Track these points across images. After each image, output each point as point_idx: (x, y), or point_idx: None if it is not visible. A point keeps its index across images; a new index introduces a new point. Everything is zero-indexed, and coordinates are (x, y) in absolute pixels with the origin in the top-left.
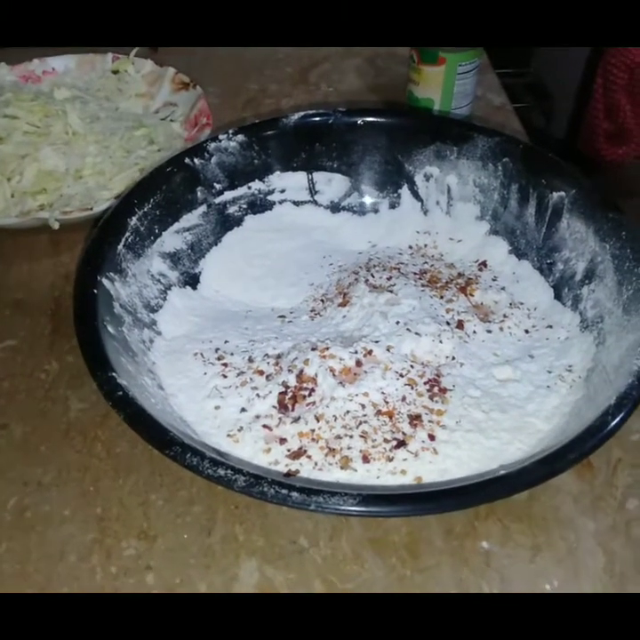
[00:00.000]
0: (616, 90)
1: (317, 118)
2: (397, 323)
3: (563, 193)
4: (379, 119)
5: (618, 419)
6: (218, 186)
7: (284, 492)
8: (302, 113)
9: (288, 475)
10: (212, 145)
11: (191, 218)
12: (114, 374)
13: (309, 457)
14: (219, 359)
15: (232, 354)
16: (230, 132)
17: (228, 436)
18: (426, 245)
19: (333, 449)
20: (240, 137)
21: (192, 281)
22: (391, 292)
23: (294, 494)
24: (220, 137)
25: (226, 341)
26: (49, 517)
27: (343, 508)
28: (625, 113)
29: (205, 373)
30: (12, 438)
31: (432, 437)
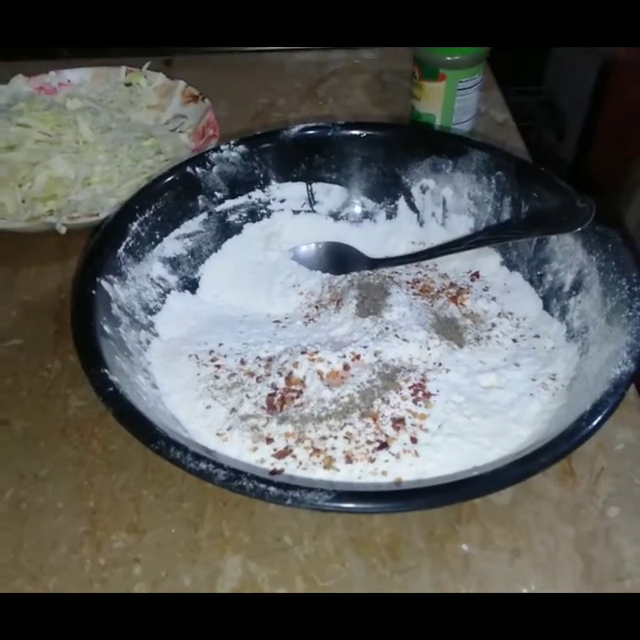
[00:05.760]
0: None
1: (317, 131)
2: (387, 328)
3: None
4: (376, 132)
5: (592, 424)
6: (219, 194)
7: (262, 486)
8: (302, 125)
9: (273, 473)
10: (214, 155)
11: (192, 225)
12: (106, 371)
13: (294, 456)
14: (212, 361)
15: (225, 356)
16: (232, 142)
17: (218, 434)
18: None
19: (318, 449)
20: (241, 148)
21: (191, 285)
22: (383, 299)
23: (272, 489)
24: (222, 147)
25: (220, 344)
26: (43, 509)
27: (319, 503)
28: None
29: (199, 374)
30: (12, 433)
31: (414, 440)
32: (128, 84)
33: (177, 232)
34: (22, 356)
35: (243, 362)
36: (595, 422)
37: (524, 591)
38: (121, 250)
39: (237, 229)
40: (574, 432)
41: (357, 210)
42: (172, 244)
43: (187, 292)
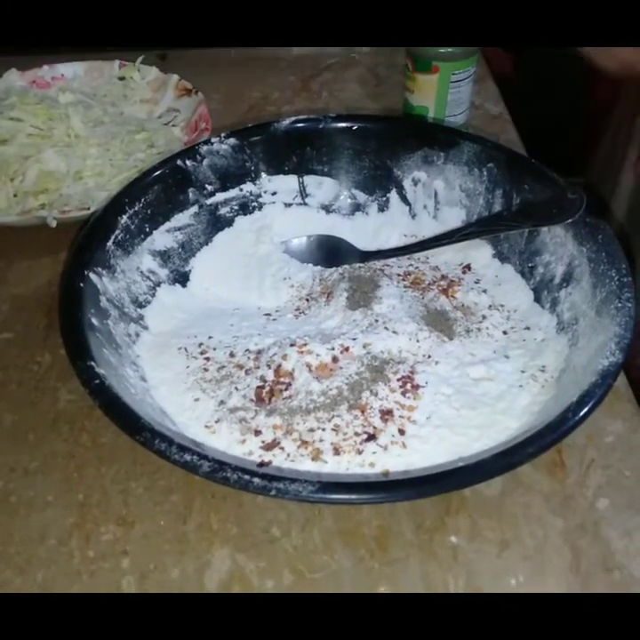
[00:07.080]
0: None
1: (308, 123)
2: (376, 321)
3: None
4: (367, 125)
5: (578, 415)
6: (209, 187)
7: (246, 477)
8: (293, 118)
9: (261, 465)
10: (205, 148)
11: (182, 218)
12: (92, 363)
13: (282, 448)
14: (202, 353)
15: (215, 349)
16: (222, 135)
17: (206, 427)
18: None
19: (306, 441)
20: (232, 140)
21: (182, 279)
22: (373, 291)
23: (256, 480)
24: (213, 140)
25: (210, 337)
26: (32, 502)
27: (303, 494)
28: None
29: (188, 367)
30: (1, 426)
31: (402, 432)
32: (122, 78)
33: (167, 225)
34: (12, 350)
35: (232, 354)
36: (581, 413)
37: (513, 582)
38: (110, 243)
39: (228, 222)
40: (561, 423)
41: (349, 202)
42: (163, 237)
43: (177, 285)
